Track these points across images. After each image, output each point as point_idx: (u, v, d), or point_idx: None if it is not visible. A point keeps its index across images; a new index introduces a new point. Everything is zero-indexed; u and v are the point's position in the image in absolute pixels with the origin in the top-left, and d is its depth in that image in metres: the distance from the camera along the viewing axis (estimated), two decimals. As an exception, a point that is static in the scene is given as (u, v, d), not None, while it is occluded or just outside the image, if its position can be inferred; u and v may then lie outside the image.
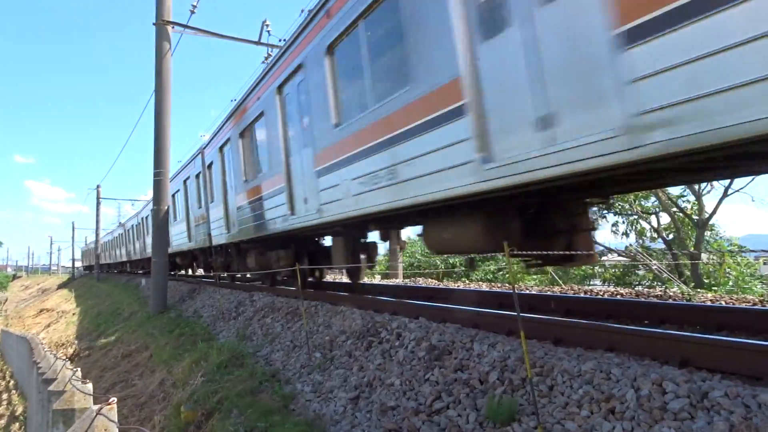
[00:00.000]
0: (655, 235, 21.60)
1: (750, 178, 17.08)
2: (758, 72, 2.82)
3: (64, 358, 7.61)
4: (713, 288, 15.68)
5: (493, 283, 14.26)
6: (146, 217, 22.89)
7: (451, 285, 13.09)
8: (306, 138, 8.41)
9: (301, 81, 8.37)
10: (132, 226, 35.13)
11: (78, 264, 72.28)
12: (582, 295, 9.18)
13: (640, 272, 20.82)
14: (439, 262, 23.92)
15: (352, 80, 7.06)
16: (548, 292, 9.78)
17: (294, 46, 8.48)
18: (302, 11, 17.16)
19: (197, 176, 16.54)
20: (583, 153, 3.78)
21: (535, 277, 21.42)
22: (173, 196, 19.66)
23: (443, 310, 7.60)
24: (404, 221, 7.83)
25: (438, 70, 5.13)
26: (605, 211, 22.42)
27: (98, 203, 47.74)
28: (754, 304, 7.32)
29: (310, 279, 12.57)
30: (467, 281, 18.74)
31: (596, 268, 22.21)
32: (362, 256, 9.96)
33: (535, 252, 4.84)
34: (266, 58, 17.85)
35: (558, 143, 3.98)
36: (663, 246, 20.35)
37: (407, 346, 5.37)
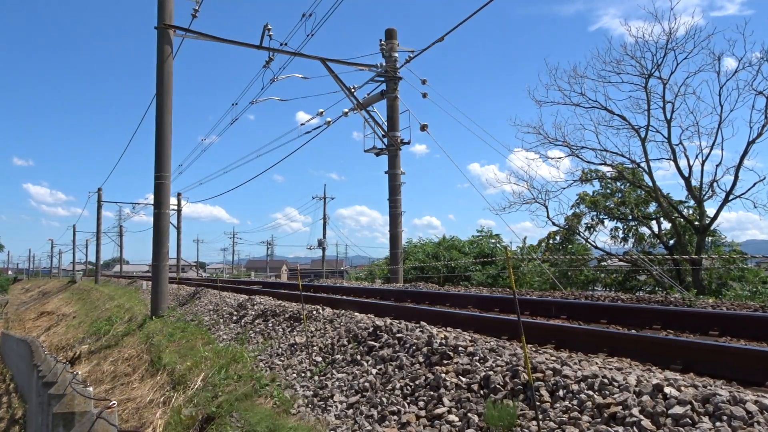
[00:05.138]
0: (655, 241, 21.57)
1: (751, 183, 17.10)
2: None
3: (65, 361, 7.60)
4: (720, 293, 15.66)
5: (494, 288, 14.23)
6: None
7: (453, 290, 13.08)
8: None
9: None
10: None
11: (80, 267, 71.95)
12: (583, 300, 9.16)
13: (642, 277, 20.79)
14: (440, 267, 23.92)
15: None
16: (549, 297, 9.76)
17: None
18: (303, 16, 17.26)
19: None
20: None
21: (536, 280, 21.42)
22: None
23: (444, 315, 7.60)
24: None
25: None
26: (604, 216, 22.44)
27: (99, 206, 47.78)
28: (755, 310, 7.31)
29: None
30: (468, 286, 18.74)
31: (597, 272, 22.23)
32: None
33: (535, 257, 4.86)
34: (267, 62, 17.91)
35: None
36: (664, 251, 20.32)
37: (408, 350, 5.36)
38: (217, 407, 5.87)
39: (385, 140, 19.30)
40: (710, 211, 18.49)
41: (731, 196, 17.12)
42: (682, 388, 3.27)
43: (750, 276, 16.55)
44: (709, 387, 3.32)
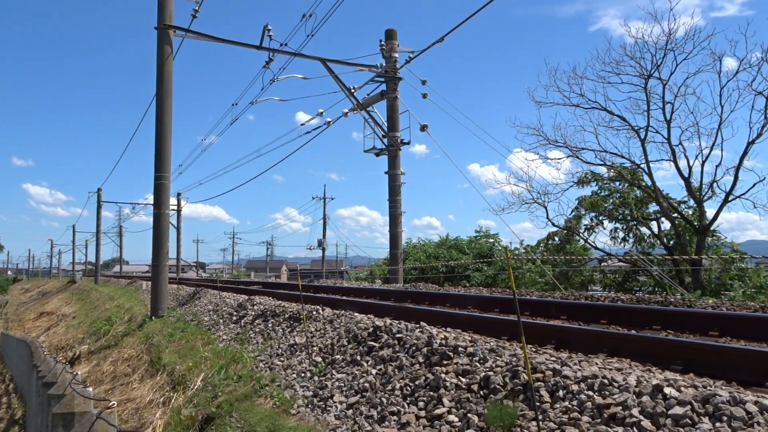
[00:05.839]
0: (654, 241, 21.58)
1: (751, 183, 17.10)
2: None
3: (64, 361, 7.60)
4: (720, 293, 15.66)
5: (493, 288, 14.24)
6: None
7: (452, 290, 13.09)
8: None
9: None
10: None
11: (80, 267, 72.15)
12: (583, 300, 9.16)
13: (641, 278, 20.79)
14: (440, 267, 23.92)
15: None
16: (549, 298, 9.76)
17: None
18: (303, 16, 17.27)
19: None
20: None
21: (539, 281, 21.44)
22: None
23: (444, 315, 7.60)
24: None
25: None
26: (604, 217, 22.45)
27: (99, 206, 47.79)
28: (755, 311, 7.31)
29: None
30: (468, 285, 18.73)
31: (595, 273, 22.26)
32: None
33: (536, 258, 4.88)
34: (267, 63, 17.92)
35: None
36: (664, 251, 20.32)
37: (408, 351, 5.36)
38: (217, 407, 5.87)
39: (385, 140, 19.31)
40: (710, 211, 18.51)
41: (731, 197, 17.12)
42: (682, 389, 3.27)
43: (754, 275, 16.54)
44: (709, 387, 3.32)
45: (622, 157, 19.49)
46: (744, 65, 16.60)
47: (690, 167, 18.08)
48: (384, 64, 18.97)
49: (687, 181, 18.16)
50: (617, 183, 21.72)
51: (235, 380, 6.58)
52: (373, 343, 6.01)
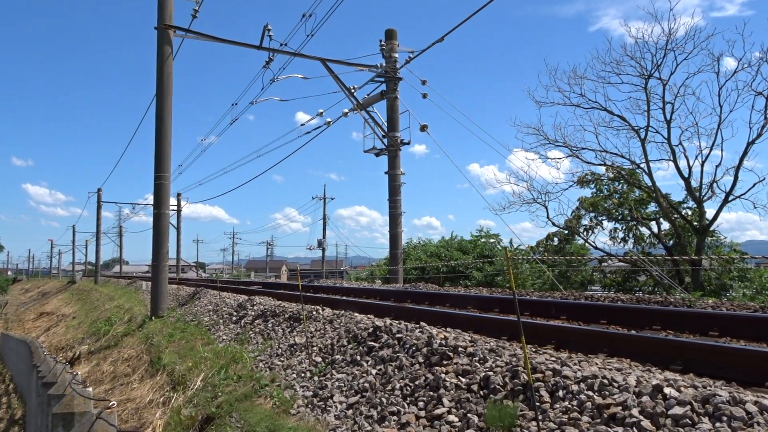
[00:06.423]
0: (654, 241, 21.59)
1: (751, 184, 17.10)
2: None
3: (64, 361, 7.60)
4: (719, 293, 15.67)
5: (493, 288, 14.24)
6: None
7: (452, 290, 13.09)
8: None
9: None
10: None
11: (79, 267, 72.12)
12: (583, 301, 9.16)
13: (641, 278, 20.81)
14: (440, 267, 23.93)
15: None
16: (549, 298, 9.76)
17: None
18: (303, 16, 17.27)
19: None
20: None
21: (536, 281, 21.45)
22: None
23: (444, 315, 7.60)
24: None
25: None
26: (603, 217, 22.45)
27: (99, 206, 47.80)
28: (755, 311, 7.31)
29: None
30: (468, 285, 18.74)
31: (595, 273, 22.27)
32: None
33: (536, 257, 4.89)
34: (267, 63, 17.92)
35: None
36: (663, 252, 20.33)
37: (408, 351, 5.36)
38: (217, 407, 5.87)
39: (385, 141, 19.31)
40: (710, 211, 18.51)
41: (731, 197, 17.13)
42: (682, 389, 3.27)
43: (756, 276, 16.57)
44: (708, 387, 3.32)
45: (622, 157, 19.52)
46: (742, 65, 16.62)
47: (690, 167, 18.10)
48: (384, 64, 18.98)
49: (687, 181, 18.17)
50: (617, 183, 21.74)
51: (235, 380, 6.58)
52: (373, 343, 6.01)
